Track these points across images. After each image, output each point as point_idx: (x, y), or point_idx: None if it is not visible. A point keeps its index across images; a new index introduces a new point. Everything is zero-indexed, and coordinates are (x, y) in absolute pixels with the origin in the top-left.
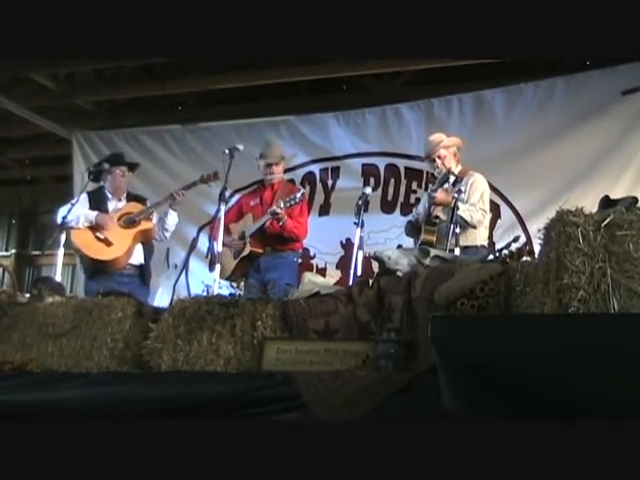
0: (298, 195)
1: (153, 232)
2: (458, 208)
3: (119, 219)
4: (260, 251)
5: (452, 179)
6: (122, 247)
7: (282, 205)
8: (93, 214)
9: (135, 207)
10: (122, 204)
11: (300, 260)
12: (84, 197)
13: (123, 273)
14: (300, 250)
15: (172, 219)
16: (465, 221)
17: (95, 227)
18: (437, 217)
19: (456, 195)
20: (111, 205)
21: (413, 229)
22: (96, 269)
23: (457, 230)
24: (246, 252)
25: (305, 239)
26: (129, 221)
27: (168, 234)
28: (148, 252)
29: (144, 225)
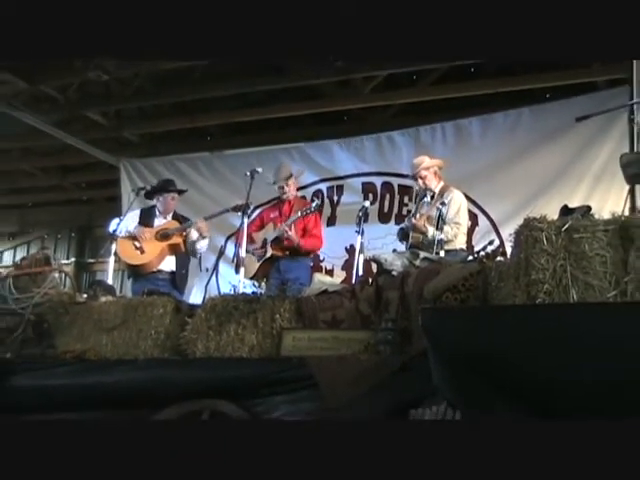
0: (313, 205)
1: (181, 246)
2: (442, 218)
3: (157, 233)
4: (280, 254)
5: (429, 195)
6: (151, 255)
7: (300, 214)
8: (133, 227)
9: (173, 224)
10: (165, 221)
11: (312, 263)
12: (136, 213)
13: (158, 277)
14: (313, 255)
15: (202, 244)
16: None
17: (135, 238)
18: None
19: (440, 207)
20: (157, 221)
21: (404, 235)
22: (133, 272)
23: (442, 236)
24: (268, 255)
25: (321, 248)
26: (163, 235)
27: (198, 255)
28: (182, 262)
29: (174, 240)
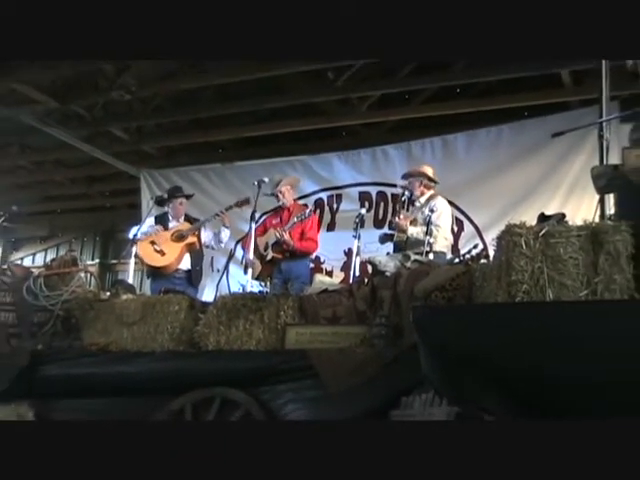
0: (307, 212)
1: (196, 244)
2: (431, 223)
3: (172, 235)
4: (280, 256)
5: (406, 197)
6: (172, 256)
7: (295, 219)
8: (152, 230)
9: (185, 226)
10: (178, 224)
11: (312, 265)
12: (151, 220)
13: (175, 276)
14: (312, 255)
15: (225, 235)
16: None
17: (154, 242)
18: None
19: (430, 213)
20: (171, 224)
21: (385, 239)
22: (154, 273)
23: (431, 240)
24: (269, 257)
25: (316, 251)
26: (179, 236)
27: (222, 245)
28: (196, 259)
29: (190, 239)
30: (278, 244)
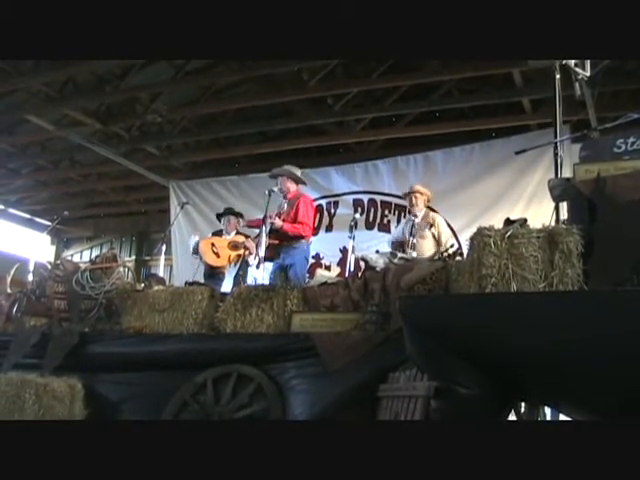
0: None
1: (246, 255)
2: (414, 227)
3: (229, 243)
4: (276, 242)
5: (417, 217)
6: (224, 260)
7: (286, 206)
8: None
9: (240, 239)
10: (231, 237)
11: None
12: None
13: (220, 278)
14: (309, 239)
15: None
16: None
17: (213, 244)
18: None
19: (413, 218)
20: (225, 236)
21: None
22: (209, 272)
23: (414, 241)
24: (266, 244)
25: (310, 233)
26: (234, 246)
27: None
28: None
29: (241, 251)
30: (272, 231)
